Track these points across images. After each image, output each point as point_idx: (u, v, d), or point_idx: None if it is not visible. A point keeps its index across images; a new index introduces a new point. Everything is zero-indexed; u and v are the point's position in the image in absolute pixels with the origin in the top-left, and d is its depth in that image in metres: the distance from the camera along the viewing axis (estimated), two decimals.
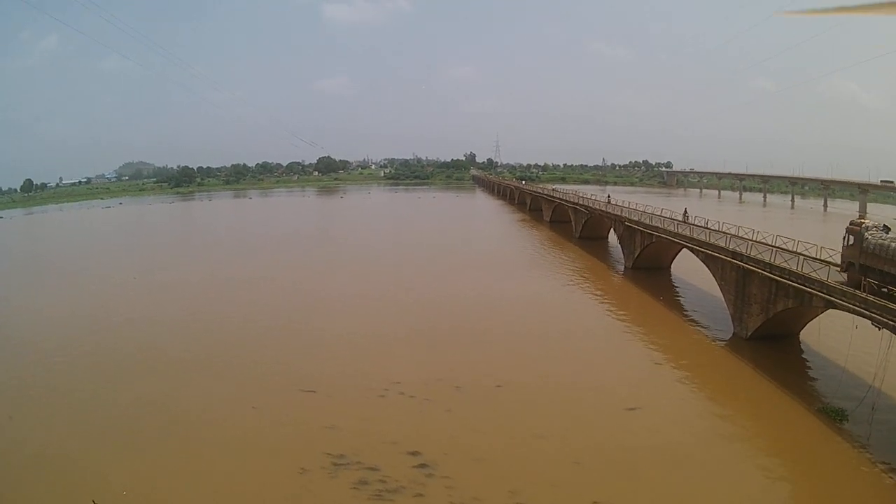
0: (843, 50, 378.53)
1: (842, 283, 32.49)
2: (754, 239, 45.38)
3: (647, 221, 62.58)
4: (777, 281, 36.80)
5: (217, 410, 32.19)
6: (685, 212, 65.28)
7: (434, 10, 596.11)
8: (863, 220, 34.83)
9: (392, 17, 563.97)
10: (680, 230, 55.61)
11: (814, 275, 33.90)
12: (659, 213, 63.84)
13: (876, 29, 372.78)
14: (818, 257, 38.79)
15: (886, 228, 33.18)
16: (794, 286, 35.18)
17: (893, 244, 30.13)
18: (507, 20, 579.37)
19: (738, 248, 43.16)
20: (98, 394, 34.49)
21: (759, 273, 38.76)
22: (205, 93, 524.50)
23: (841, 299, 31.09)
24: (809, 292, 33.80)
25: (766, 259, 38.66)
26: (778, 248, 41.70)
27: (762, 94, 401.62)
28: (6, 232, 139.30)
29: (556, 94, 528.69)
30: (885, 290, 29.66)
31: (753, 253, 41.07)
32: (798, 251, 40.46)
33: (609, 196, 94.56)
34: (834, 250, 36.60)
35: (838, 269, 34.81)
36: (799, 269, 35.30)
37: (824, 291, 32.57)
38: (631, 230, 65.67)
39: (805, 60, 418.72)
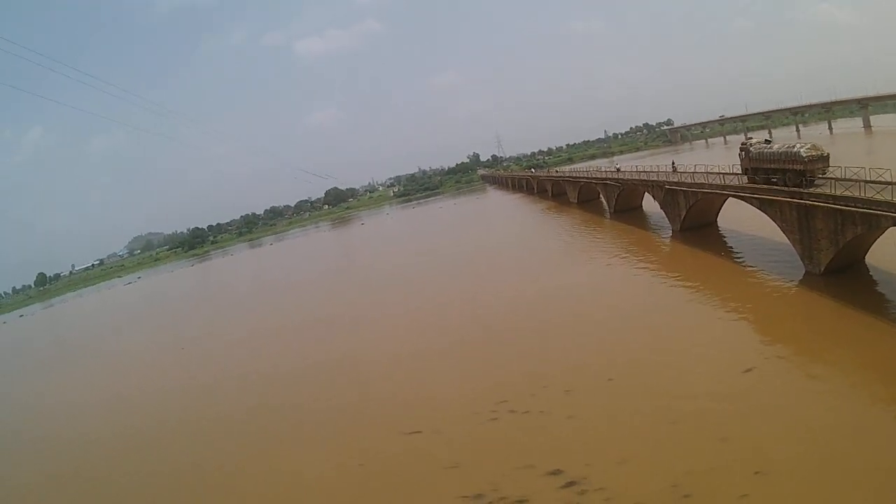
0: None
1: (745, 182, 51.13)
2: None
3: (689, 180, 63.11)
4: (842, 211, 37.64)
5: (323, 478, 30.75)
6: (672, 164, 71.28)
7: (404, 24, 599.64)
8: (750, 139, 54.13)
9: (365, 40, 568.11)
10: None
11: (879, 196, 34.71)
12: (700, 171, 63.50)
13: None
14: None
15: (768, 142, 51.54)
16: (860, 212, 36.02)
17: (766, 150, 48.34)
18: (478, 18, 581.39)
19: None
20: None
21: (822, 207, 39.55)
22: (200, 151, 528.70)
23: None
24: (877, 214, 34.65)
25: (827, 192, 39.47)
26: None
27: (743, 33, 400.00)
28: (30, 329, 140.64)
29: (546, 80, 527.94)
30: (773, 179, 46.99)
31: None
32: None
33: (618, 167, 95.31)
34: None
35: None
36: (861, 193, 36.19)
37: (893, 210, 33.40)
38: (673, 192, 66.24)
39: None
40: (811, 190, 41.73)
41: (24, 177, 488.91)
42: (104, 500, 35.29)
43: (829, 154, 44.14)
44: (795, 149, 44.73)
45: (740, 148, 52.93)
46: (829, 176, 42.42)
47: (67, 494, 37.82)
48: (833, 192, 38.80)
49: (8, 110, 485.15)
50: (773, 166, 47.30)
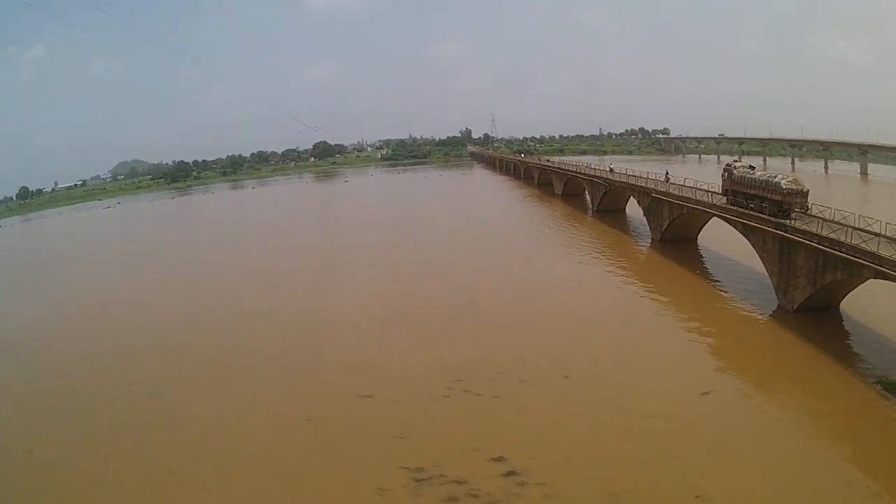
0: (829, 8, 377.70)
1: (725, 203, 51.92)
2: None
3: (677, 192, 62.87)
4: (825, 252, 37.29)
5: (267, 427, 30.43)
6: (666, 174, 70.35)
7: None
8: (736, 161, 59.32)
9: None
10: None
11: (864, 246, 34.28)
12: (689, 185, 63.77)
13: None
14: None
15: (752, 168, 51.86)
16: (843, 257, 35.60)
17: (748, 175, 49.04)
18: None
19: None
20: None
21: (805, 244, 39.18)
22: (196, 86, 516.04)
23: (893, 270, 31.64)
24: (860, 263, 34.23)
25: (814, 229, 39.10)
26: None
27: (752, 56, 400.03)
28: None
29: (547, 67, 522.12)
30: (751, 205, 47.41)
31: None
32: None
33: (611, 167, 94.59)
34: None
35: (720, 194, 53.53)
36: (848, 239, 35.84)
37: (876, 262, 32.88)
38: (659, 201, 65.96)
39: (792, 20, 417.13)
40: (797, 224, 41.43)
41: (22, 92, 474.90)
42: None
43: (808, 190, 44.50)
44: (776, 179, 45.48)
45: (724, 169, 54.30)
46: (816, 214, 42.09)
47: None
48: (820, 231, 38.50)
49: (13, 27, 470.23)
50: (752, 192, 47.94)
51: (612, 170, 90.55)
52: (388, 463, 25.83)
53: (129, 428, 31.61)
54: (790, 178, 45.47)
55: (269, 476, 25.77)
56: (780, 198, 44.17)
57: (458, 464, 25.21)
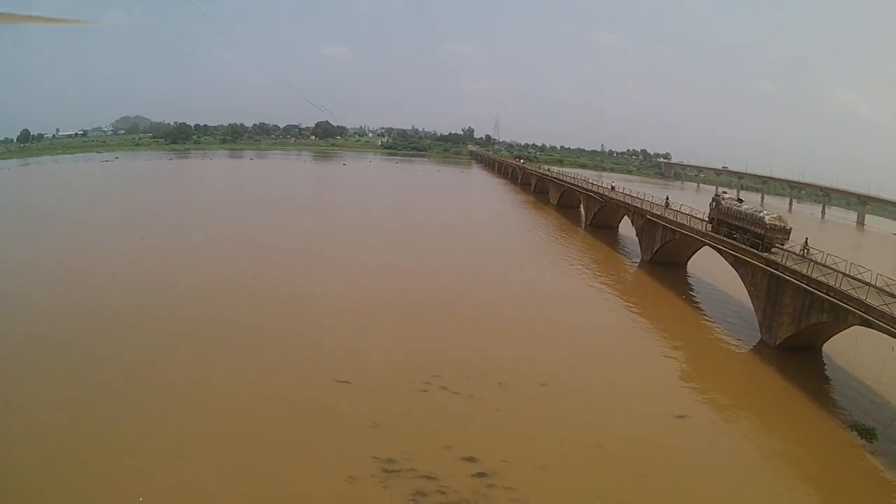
0: (847, 60, 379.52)
1: (710, 230, 54.73)
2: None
3: (673, 217, 63.46)
4: (812, 293, 37.70)
5: (246, 401, 29.97)
6: (666, 199, 71.27)
7: None
8: (724, 192, 62.15)
9: None
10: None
11: (852, 292, 34.72)
12: (685, 211, 64.55)
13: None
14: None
15: (740, 201, 54.98)
16: (830, 300, 36.04)
17: (735, 206, 52.08)
18: (509, 3, 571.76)
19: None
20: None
21: (793, 283, 39.59)
22: (206, 49, 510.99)
23: (879, 319, 32.13)
24: (846, 308, 34.66)
25: (803, 270, 39.52)
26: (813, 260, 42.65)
27: (765, 98, 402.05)
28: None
29: (556, 79, 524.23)
30: (734, 235, 49.97)
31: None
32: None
33: (613, 186, 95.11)
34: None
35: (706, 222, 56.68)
36: (837, 284, 36.23)
37: (862, 310, 33.40)
38: (652, 224, 66.44)
39: (811, 69, 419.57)
40: (787, 263, 41.78)
41: (31, 33, 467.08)
42: None
43: (791, 228, 47.04)
44: (761, 214, 48.61)
45: (712, 198, 57.39)
46: (810, 257, 42.92)
47: None
48: (810, 272, 38.89)
49: None
50: (737, 223, 50.84)
51: (613, 188, 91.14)
52: (359, 451, 25.67)
53: (106, 386, 30.98)
54: (774, 215, 47.87)
55: (241, 451, 25.54)
56: (762, 231, 46.74)
57: (430, 459, 25.18)
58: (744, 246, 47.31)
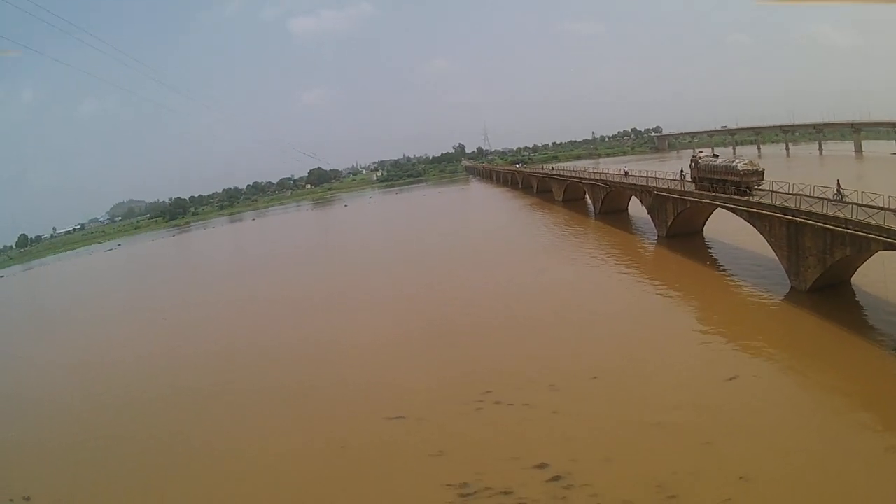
0: None
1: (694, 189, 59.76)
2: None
3: (679, 188, 63.92)
4: (832, 231, 38.03)
5: (304, 458, 30.42)
6: (681, 171, 69.23)
7: (399, 8, 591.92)
8: (701, 152, 65.48)
9: (358, 23, 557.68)
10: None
11: (870, 220, 35.01)
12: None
13: None
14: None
15: (716, 156, 60.12)
16: (850, 233, 36.37)
17: (712, 162, 57.04)
18: (474, 8, 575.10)
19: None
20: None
21: (811, 225, 39.94)
22: (187, 122, 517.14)
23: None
24: (867, 237, 35.00)
25: (818, 210, 39.91)
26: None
27: (741, 49, 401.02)
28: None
29: (537, 77, 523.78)
30: (716, 187, 54.55)
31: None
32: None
33: (626, 171, 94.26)
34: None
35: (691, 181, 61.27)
36: (853, 215, 36.48)
37: (884, 235, 33.66)
38: (662, 198, 66.82)
39: (776, 10, 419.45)
40: (803, 207, 42.08)
41: (13, 138, 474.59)
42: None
43: (763, 170, 51.95)
44: (734, 163, 54.08)
45: (691, 159, 62.83)
46: (784, 191, 45.69)
47: None
48: (825, 211, 39.25)
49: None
50: (716, 177, 55.46)
51: (627, 173, 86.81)
52: (431, 482, 25.67)
53: (154, 471, 31.74)
54: (746, 161, 54.17)
55: None
56: (738, 178, 51.72)
57: (502, 474, 25.14)
58: (727, 195, 52.45)
